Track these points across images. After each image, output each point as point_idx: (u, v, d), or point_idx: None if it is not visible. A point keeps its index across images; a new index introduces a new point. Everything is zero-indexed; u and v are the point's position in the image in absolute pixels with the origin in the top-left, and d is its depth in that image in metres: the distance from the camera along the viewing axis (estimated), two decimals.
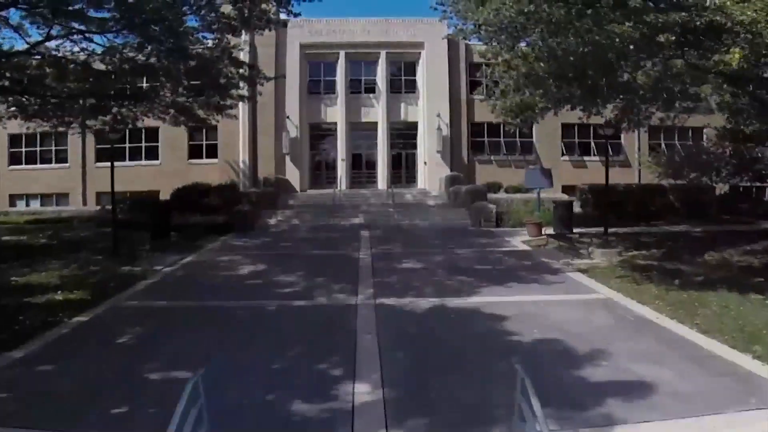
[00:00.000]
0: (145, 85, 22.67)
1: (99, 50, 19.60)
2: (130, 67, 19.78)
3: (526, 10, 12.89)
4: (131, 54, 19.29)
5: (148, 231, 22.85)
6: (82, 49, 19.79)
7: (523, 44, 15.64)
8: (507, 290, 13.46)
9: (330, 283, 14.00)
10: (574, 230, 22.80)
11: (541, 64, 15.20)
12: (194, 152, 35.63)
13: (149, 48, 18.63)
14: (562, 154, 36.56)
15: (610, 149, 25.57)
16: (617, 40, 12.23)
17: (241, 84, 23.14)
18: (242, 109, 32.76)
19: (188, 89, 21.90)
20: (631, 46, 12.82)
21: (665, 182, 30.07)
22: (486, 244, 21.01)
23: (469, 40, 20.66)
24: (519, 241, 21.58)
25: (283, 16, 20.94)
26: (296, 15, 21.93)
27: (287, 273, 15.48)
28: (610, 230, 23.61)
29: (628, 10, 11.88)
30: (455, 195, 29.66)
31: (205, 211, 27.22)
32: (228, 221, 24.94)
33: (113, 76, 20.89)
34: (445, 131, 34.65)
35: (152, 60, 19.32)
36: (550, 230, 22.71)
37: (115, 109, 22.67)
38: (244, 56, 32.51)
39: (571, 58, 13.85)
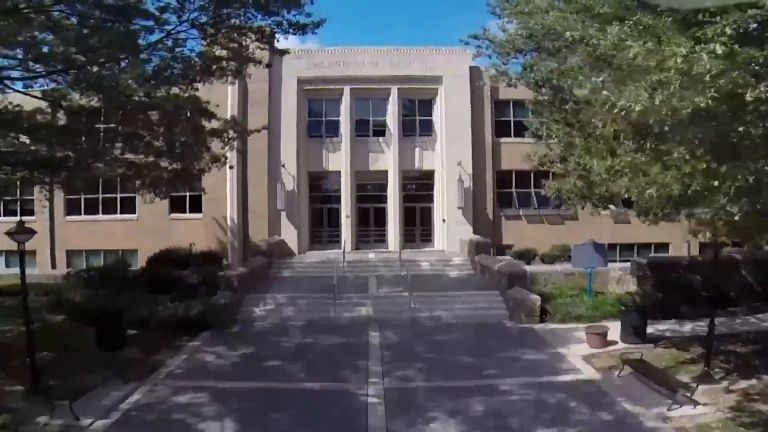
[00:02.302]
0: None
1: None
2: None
3: None
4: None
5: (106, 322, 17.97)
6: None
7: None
8: None
9: None
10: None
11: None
12: (176, 205, 30.52)
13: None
14: (605, 208, 31.26)
15: None
16: None
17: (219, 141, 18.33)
18: (229, 156, 27.89)
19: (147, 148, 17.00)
20: None
21: (735, 254, 24.79)
22: (536, 367, 15.80)
23: (513, 85, 15.65)
24: (579, 358, 16.37)
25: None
26: (282, 53, 17.20)
27: None
28: (685, 326, 19.56)
29: None
30: (482, 268, 24.57)
31: (180, 290, 22.55)
32: (204, 312, 19.93)
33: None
34: (467, 182, 29.54)
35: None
36: (613, 329, 17.83)
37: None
38: (230, 96, 27.83)
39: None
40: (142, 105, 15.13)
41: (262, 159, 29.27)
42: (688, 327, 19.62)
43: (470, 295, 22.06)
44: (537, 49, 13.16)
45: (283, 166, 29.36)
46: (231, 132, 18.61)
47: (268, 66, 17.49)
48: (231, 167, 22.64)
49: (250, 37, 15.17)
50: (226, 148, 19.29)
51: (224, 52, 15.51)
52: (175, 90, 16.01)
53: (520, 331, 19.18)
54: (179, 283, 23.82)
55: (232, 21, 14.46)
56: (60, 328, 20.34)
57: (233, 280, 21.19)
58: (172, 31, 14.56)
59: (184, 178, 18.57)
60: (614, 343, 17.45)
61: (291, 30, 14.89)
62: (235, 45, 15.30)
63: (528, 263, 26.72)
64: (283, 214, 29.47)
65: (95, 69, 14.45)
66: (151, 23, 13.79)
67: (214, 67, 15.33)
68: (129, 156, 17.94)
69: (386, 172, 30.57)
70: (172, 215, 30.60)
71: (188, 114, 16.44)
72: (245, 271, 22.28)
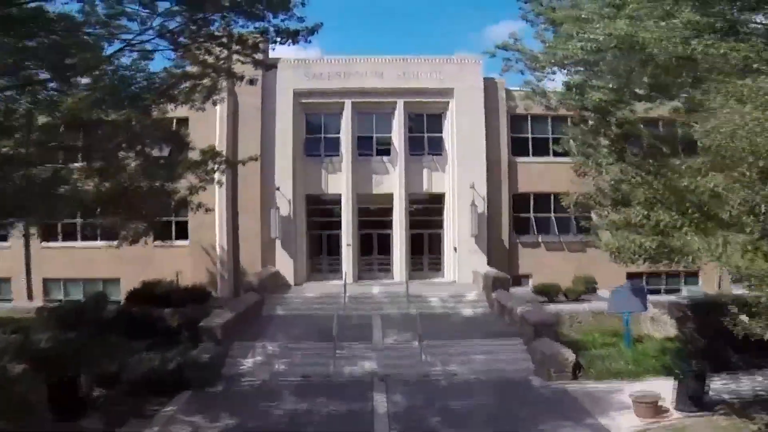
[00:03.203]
0: None
1: None
2: None
3: None
4: None
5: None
6: None
7: None
8: None
9: None
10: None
11: None
12: (161, 232, 27.70)
13: None
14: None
15: None
16: None
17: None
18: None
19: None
20: None
21: None
22: None
23: (554, 109, 12.92)
24: None
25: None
26: (269, 67, 14.49)
27: None
28: (742, 383, 17.06)
29: None
30: (501, 307, 21.81)
31: (161, 334, 20.00)
32: (183, 365, 17.15)
33: None
34: (481, 207, 26.71)
35: None
36: (660, 387, 15.23)
37: None
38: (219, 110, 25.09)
39: None
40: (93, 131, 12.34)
41: (254, 181, 26.49)
42: (746, 385, 16.96)
43: (489, 344, 19.19)
44: (590, 64, 10.42)
45: (278, 189, 26.58)
46: (213, 163, 15.81)
47: (251, 83, 14.69)
48: (220, 184, 19.84)
49: (230, 48, 12.40)
50: (208, 181, 16.49)
51: (196, 68, 12.70)
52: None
53: (552, 393, 16.30)
54: (159, 325, 21.27)
55: (210, 29, 11.70)
56: (18, 382, 17.65)
57: (216, 331, 18.31)
58: (134, 42, 11.80)
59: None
60: (666, 411, 14.70)
61: (280, 38, 12.18)
62: (212, 58, 12.51)
63: (551, 300, 23.87)
64: (278, 242, 26.67)
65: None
66: (98, 32, 11.01)
67: (184, 85, 12.49)
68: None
69: (391, 195, 27.76)
70: (157, 243, 27.66)
71: (144, 146, 13.50)
72: (231, 317, 19.41)
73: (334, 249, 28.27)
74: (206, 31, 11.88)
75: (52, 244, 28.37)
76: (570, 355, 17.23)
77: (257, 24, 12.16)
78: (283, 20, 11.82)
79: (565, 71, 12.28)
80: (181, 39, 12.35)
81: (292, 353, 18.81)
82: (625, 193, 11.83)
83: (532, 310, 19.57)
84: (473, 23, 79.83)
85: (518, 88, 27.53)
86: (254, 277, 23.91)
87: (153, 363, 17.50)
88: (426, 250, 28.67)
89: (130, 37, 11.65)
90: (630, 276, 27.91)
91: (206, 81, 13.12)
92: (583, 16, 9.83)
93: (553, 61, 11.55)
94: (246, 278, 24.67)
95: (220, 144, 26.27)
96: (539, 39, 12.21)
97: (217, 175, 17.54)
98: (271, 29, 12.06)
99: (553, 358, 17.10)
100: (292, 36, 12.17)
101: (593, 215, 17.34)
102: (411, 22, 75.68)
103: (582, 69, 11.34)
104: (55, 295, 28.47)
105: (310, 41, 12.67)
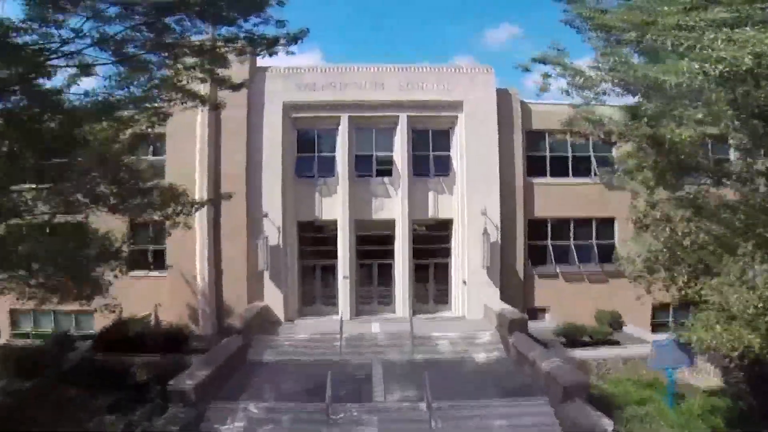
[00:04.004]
0: None
1: None
2: None
3: None
4: None
5: None
6: None
7: None
8: None
9: None
10: None
11: None
12: (137, 260, 24.83)
13: None
14: None
15: None
16: None
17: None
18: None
19: None
20: None
21: None
22: None
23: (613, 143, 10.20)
24: None
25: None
26: (236, 87, 11.70)
27: None
28: None
29: None
30: (519, 356, 18.97)
31: (128, 388, 17.69)
32: None
33: None
34: (494, 236, 23.86)
35: None
36: None
37: None
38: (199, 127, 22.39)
39: None
40: None
41: (239, 206, 23.61)
42: None
43: (509, 405, 16.29)
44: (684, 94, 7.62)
45: (266, 215, 23.71)
46: (176, 206, 12.97)
47: (215, 107, 11.87)
48: (188, 227, 17.12)
49: (183, 62, 9.60)
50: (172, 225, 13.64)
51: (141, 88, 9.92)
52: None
53: None
54: (128, 378, 18.64)
55: (161, 37, 8.90)
56: None
57: (189, 394, 15.41)
58: (64, 51, 8.98)
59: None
60: None
61: (252, 47, 9.41)
62: (170, 71, 9.72)
63: (577, 343, 21.03)
64: (266, 275, 23.80)
65: None
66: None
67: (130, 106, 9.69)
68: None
69: (393, 221, 24.87)
70: (133, 273, 24.88)
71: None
72: (207, 375, 16.46)
73: (330, 280, 25.42)
74: (159, 39, 9.11)
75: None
76: (609, 426, 14.35)
77: (225, 29, 9.42)
78: (256, 25, 9.10)
79: (622, 94, 9.55)
80: (131, 49, 9.55)
81: (280, 417, 15.86)
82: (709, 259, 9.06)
83: (561, 366, 16.64)
84: (473, 26, 77.31)
85: (536, 101, 25.14)
86: (238, 319, 20.95)
87: (115, 430, 14.96)
88: (431, 282, 25.81)
89: (56, 45, 8.86)
90: (656, 308, 25.27)
91: (161, 102, 10.35)
92: (691, 23, 6.94)
93: (616, 79, 8.78)
94: (229, 319, 21.78)
95: (201, 163, 23.54)
96: (602, 52, 9.36)
97: (186, 217, 14.76)
98: (241, 36, 9.31)
99: (588, 430, 14.22)
100: (268, 45, 9.42)
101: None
102: (407, 28, 73.24)
103: (658, 95, 8.58)
104: (24, 326, 26.04)
105: (293, 52, 9.91)
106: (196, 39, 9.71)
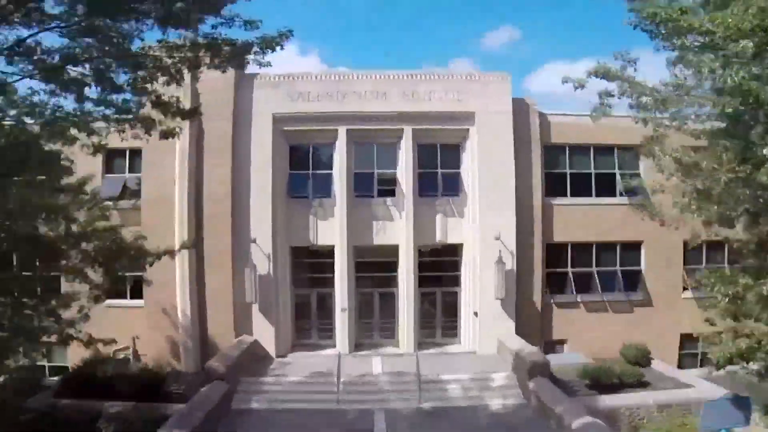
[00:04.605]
0: None
1: None
2: None
3: None
4: None
5: None
6: None
7: None
8: None
9: None
10: None
11: None
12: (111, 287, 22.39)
13: None
14: (684, 289, 23.21)
15: None
16: None
17: None
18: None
19: None
20: None
21: None
22: None
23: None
24: None
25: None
26: (192, 114, 9.26)
27: None
28: None
29: None
30: (540, 404, 16.57)
31: None
32: None
33: None
34: (509, 264, 21.38)
35: None
36: None
37: None
38: (180, 141, 20.06)
39: None
40: None
41: (223, 230, 21.22)
42: None
43: None
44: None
45: (254, 241, 21.23)
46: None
47: (170, 135, 9.40)
48: (148, 283, 14.77)
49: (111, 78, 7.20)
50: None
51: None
52: None
53: None
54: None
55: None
56: None
57: None
58: None
59: None
60: None
61: (212, 57, 6.99)
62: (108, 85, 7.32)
63: (607, 387, 18.59)
64: (255, 307, 21.35)
65: None
66: None
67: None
68: None
69: (396, 246, 22.30)
70: (108, 302, 22.49)
71: None
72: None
73: (326, 310, 22.96)
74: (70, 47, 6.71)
75: None
76: None
77: (178, 31, 7.01)
78: (215, 27, 6.71)
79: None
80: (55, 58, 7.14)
81: None
82: None
83: (594, 424, 14.17)
84: (472, 29, 75.03)
85: (556, 112, 22.93)
86: (219, 362, 18.36)
87: None
88: (438, 313, 23.34)
89: None
90: (684, 337, 23.02)
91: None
92: None
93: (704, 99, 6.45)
94: (213, 357, 19.21)
95: (181, 181, 21.11)
96: (698, 68, 7.00)
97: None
98: (200, 41, 6.92)
99: None
100: (236, 54, 6.98)
101: None
102: (406, 32, 71.05)
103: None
104: None
105: (268, 63, 7.48)
106: (135, 48, 7.39)
